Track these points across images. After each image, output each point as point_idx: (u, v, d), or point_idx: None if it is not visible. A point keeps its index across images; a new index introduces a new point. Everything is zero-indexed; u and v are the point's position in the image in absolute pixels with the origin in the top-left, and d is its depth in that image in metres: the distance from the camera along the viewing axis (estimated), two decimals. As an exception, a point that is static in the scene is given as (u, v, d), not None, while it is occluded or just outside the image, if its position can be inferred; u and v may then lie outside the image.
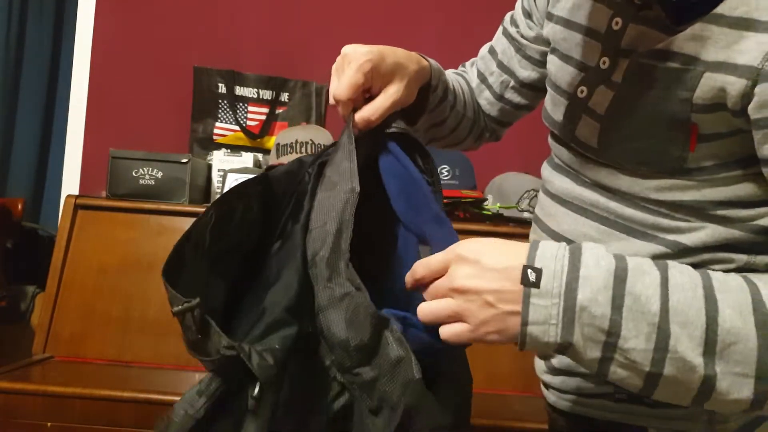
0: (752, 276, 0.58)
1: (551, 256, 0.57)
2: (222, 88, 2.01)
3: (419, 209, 0.71)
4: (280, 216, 0.71)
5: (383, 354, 0.58)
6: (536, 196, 1.74)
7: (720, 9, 0.58)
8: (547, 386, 0.81)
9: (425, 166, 0.75)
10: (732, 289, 0.55)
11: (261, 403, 0.57)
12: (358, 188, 0.63)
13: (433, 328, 0.60)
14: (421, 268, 0.62)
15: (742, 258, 0.64)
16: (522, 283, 0.56)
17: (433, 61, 0.84)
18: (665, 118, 0.63)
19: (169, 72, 2.06)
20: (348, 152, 0.67)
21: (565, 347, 0.56)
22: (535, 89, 0.92)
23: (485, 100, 0.95)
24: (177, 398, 1.48)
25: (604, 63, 0.69)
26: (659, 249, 0.66)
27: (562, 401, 0.77)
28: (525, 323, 0.56)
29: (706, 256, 0.65)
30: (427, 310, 0.60)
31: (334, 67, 0.75)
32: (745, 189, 0.63)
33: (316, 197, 0.67)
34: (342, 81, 0.71)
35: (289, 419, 0.60)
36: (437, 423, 0.59)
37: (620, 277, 0.55)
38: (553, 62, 0.79)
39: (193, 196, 1.78)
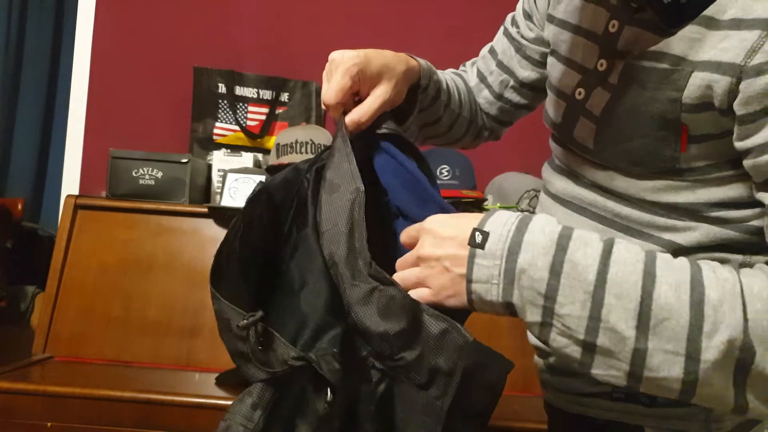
0: (704, 261, 0.58)
1: (501, 222, 0.61)
2: (222, 88, 2.01)
3: (424, 201, 0.73)
4: (283, 222, 0.73)
5: (424, 333, 0.60)
6: (536, 196, 1.74)
7: (711, 11, 0.59)
8: (546, 385, 0.82)
9: (420, 167, 0.76)
10: (673, 268, 0.56)
11: (333, 406, 0.60)
12: (362, 187, 0.66)
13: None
14: (403, 236, 0.68)
15: (737, 258, 0.65)
16: (469, 243, 0.61)
17: (422, 61, 0.85)
18: (656, 118, 0.64)
19: (169, 72, 2.06)
20: (346, 154, 0.69)
21: (509, 308, 0.60)
22: (534, 89, 0.93)
23: (484, 99, 0.96)
24: (177, 398, 1.48)
25: (601, 65, 0.70)
26: (655, 248, 0.66)
27: (560, 400, 0.78)
28: (470, 281, 0.60)
29: (701, 255, 0.65)
30: (398, 277, 0.65)
31: (324, 73, 0.77)
32: (737, 190, 0.64)
33: (319, 201, 0.69)
34: (330, 86, 0.73)
35: (340, 414, 0.62)
36: (502, 371, 0.62)
37: (562, 245, 0.58)
38: (552, 64, 0.80)
39: (193, 196, 1.78)
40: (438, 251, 0.62)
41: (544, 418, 0.87)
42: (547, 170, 0.83)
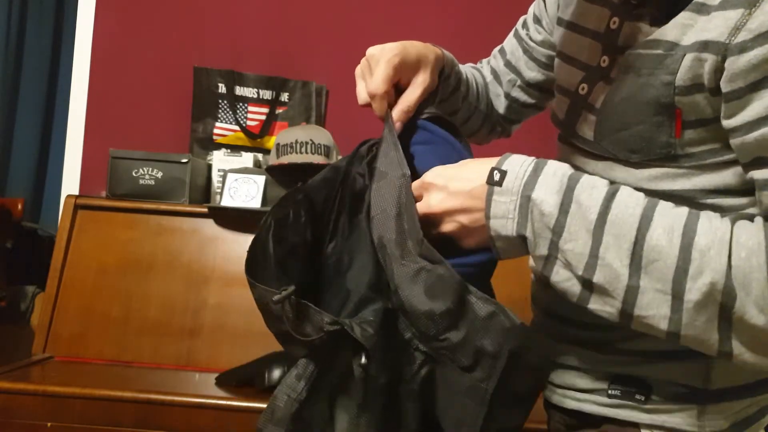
0: (705, 212, 0.61)
1: (518, 163, 0.65)
2: (222, 88, 2.01)
3: (435, 149, 0.77)
4: (327, 218, 0.77)
5: (471, 314, 0.62)
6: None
7: None
8: None
9: (461, 143, 0.80)
10: (671, 214, 0.60)
11: (369, 369, 0.63)
12: (408, 173, 0.69)
13: (467, 255, 0.69)
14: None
15: None
16: (487, 182, 0.65)
17: (446, 51, 0.88)
18: (651, 103, 0.65)
19: (169, 72, 2.06)
20: (393, 143, 0.72)
21: (523, 241, 0.64)
22: (540, 90, 0.95)
23: (495, 95, 0.99)
24: (177, 398, 1.49)
25: (603, 61, 0.72)
26: None
27: (556, 396, 0.78)
28: (488, 217, 0.65)
29: None
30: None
31: (358, 70, 0.79)
32: (734, 176, 0.64)
33: (371, 190, 0.72)
34: (375, 77, 0.75)
35: (382, 391, 0.64)
36: (545, 353, 0.65)
37: (571, 186, 0.62)
38: (558, 65, 0.82)
39: (193, 196, 1.78)
40: (449, 206, 0.66)
41: (543, 418, 0.87)
42: None
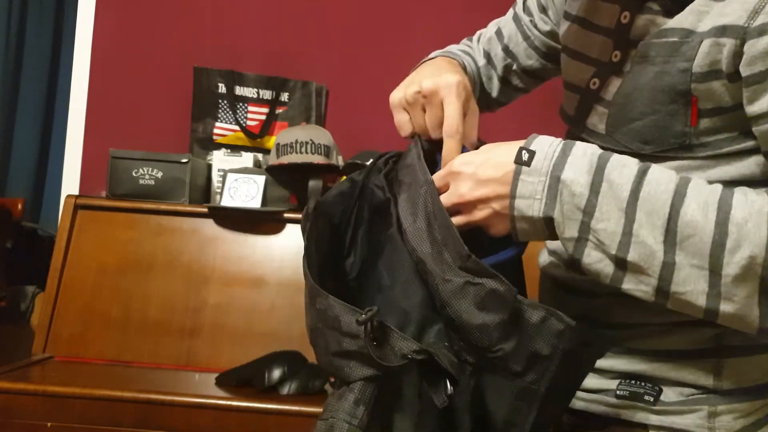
0: (739, 188, 0.60)
1: (547, 143, 0.64)
2: (222, 88, 2.01)
3: None
4: (344, 232, 0.75)
5: (522, 322, 0.61)
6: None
7: None
8: None
9: None
10: (705, 190, 0.59)
11: (454, 398, 0.60)
12: (430, 179, 0.67)
13: (499, 247, 0.68)
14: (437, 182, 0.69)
15: None
16: (515, 161, 0.63)
17: (464, 62, 0.88)
18: (667, 91, 0.65)
19: (169, 72, 2.06)
20: (417, 153, 0.71)
21: (549, 223, 0.62)
22: (534, 76, 0.95)
23: (486, 78, 0.97)
24: (177, 398, 1.48)
25: (615, 56, 0.72)
26: None
27: None
28: (513, 196, 0.63)
29: None
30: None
31: (401, 101, 0.75)
32: (749, 167, 0.64)
33: (399, 202, 0.70)
34: (452, 117, 0.71)
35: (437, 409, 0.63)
36: (603, 349, 0.65)
37: (601, 165, 0.61)
38: (566, 61, 0.81)
39: (193, 196, 1.78)
40: (481, 193, 0.65)
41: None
42: None
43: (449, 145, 0.71)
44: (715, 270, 0.57)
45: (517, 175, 0.63)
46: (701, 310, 0.59)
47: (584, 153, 0.62)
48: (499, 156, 0.65)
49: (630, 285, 0.61)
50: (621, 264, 0.60)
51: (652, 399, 0.69)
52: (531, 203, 0.63)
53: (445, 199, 0.67)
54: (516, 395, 0.63)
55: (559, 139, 0.65)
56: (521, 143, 0.65)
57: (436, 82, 0.72)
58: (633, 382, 0.70)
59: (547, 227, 0.63)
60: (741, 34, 0.58)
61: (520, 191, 0.63)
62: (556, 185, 0.62)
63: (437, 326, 0.66)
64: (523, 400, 0.63)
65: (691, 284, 0.58)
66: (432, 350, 0.60)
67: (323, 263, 0.69)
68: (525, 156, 0.63)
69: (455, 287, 0.62)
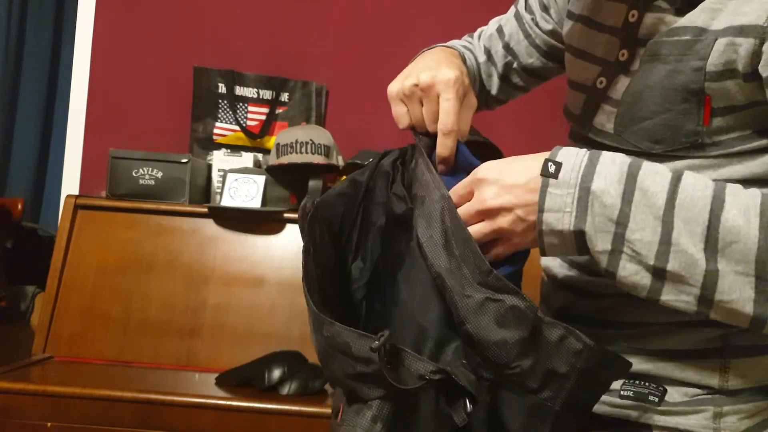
0: None
1: (573, 153, 0.62)
2: (222, 88, 2.01)
3: (462, 174, 0.72)
4: (348, 235, 0.74)
5: (541, 340, 0.60)
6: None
7: None
8: None
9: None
10: (743, 193, 0.58)
11: (472, 416, 0.60)
12: (447, 193, 0.66)
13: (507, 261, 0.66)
14: (454, 196, 0.67)
15: None
16: (541, 173, 0.61)
17: (465, 56, 0.87)
18: (679, 90, 0.64)
19: (169, 72, 2.06)
20: (426, 166, 0.69)
21: (579, 236, 0.60)
22: (534, 75, 0.94)
23: (486, 75, 0.97)
24: (177, 398, 1.48)
25: (623, 55, 0.71)
26: None
27: None
28: (541, 210, 0.61)
29: None
30: (476, 237, 0.66)
31: (398, 93, 0.74)
32: (761, 166, 0.63)
33: (415, 216, 0.69)
34: (448, 112, 0.70)
35: (453, 425, 0.62)
36: (620, 372, 0.63)
37: (632, 174, 0.59)
38: (571, 61, 0.80)
39: (193, 196, 1.78)
40: (505, 200, 0.63)
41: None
42: None
43: (443, 142, 0.71)
44: (762, 276, 0.55)
45: (544, 187, 0.61)
46: (748, 318, 0.57)
47: (613, 162, 0.60)
48: (525, 164, 0.63)
49: (669, 296, 0.59)
50: (659, 274, 0.58)
51: (656, 399, 0.68)
52: (560, 216, 0.60)
53: (468, 207, 0.66)
54: (530, 412, 0.62)
55: (584, 149, 0.63)
56: (546, 155, 0.63)
57: (433, 76, 0.71)
58: (637, 382, 0.69)
59: (576, 241, 0.61)
60: (760, 33, 0.58)
61: (548, 204, 0.61)
62: (586, 197, 0.59)
63: (455, 343, 0.65)
64: (537, 417, 0.62)
65: (736, 292, 0.56)
66: (449, 369, 0.59)
67: (324, 275, 0.68)
68: (552, 168, 0.61)
69: (475, 303, 0.61)
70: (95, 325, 1.62)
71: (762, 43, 0.58)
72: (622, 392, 0.70)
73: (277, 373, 1.41)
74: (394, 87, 0.75)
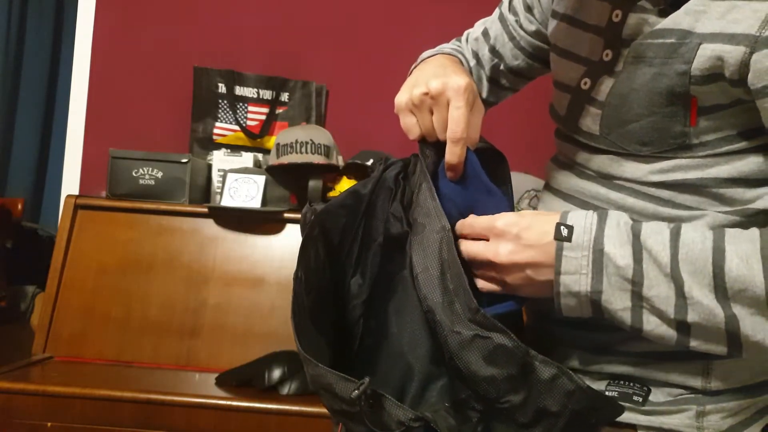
0: None
1: (582, 216, 0.64)
2: (222, 88, 2.01)
3: (469, 181, 0.72)
4: (348, 249, 0.73)
5: (533, 377, 0.60)
6: (536, 196, 1.74)
7: None
8: None
9: (498, 169, 0.77)
10: (742, 240, 0.59)
11: None
12: (448, 225, 0.66)
13: (504, 301, 0.68)
14: (466, 227, 0.69)
15: None
16: (555, 238, 0.63)
17: (461, 61, 0.88)
18: (664, 94, 0.64)
19: (169, 72, 2.06)
20: (428, 189, 0.69)
21: (596, 297, 0.62)
22: (521, 76, 0.94)
23: (477, 79, 0.97)
24: (177, 398, 1.48)
25: (607, 55, 0.71)
26: None
27: None
28: (558, 273, 0.63)
29: None
30: (479, 284, 0.69)
31: (407, 102, 0.73)
32: (749, 165, 0.64)
33: (411, 243, 0.68)
34: (458, 120, 0.70)
35: None
36: (611, 416, 0.63)
37: (636, 234, 0.62)
38: (556, 60, 0.80)
39: (193, 196, 1.78)
40: (520, 258, 0.65)
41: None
42: (549, 166, 0.83)
43: (452, 150, 0.70)
44: None
45: (560, 251, 0.63)
46: None
47: (618, 224, 0.62)
48: (542, 224, 0.65)
49: (698, 343, 0.61)
50: (683, 327, 0.60)
51: (640, 399, 0.69)
52: (577, 278, 0.62)
53: (482, 252, 0.67)
54: None
55: (590, 210, 0.65)
56: (556, 218, 0.65)
57: (444, 83, 0.71)
58: (622, 382, 0.70)
59: (592, 302, 0.63)
60: (752, 43, 0.57)
61: (565, 267, 0.63)
62: (600, 259, 0.61)
63: (441, 382, 0.65)
64: None
65: (760, 331, 0.58)
66: (429, 416, 0.60)
67: (318, 297, 0.67)
68: (564, 231, 0.63)
69: (464, 339, 0.61)
70: (95, 325, 1.62)
71: (752, 53, 0.58)
72: (606, 392, 0.70)
73: (277, 373, 1.41)
74: (403, 98, 0.74)
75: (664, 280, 0.59)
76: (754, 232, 0.59)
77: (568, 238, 0.63)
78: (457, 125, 0.69)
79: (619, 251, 0.61)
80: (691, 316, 0.59)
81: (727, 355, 0.60)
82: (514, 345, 0.60)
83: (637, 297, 0.61)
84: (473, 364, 0.61)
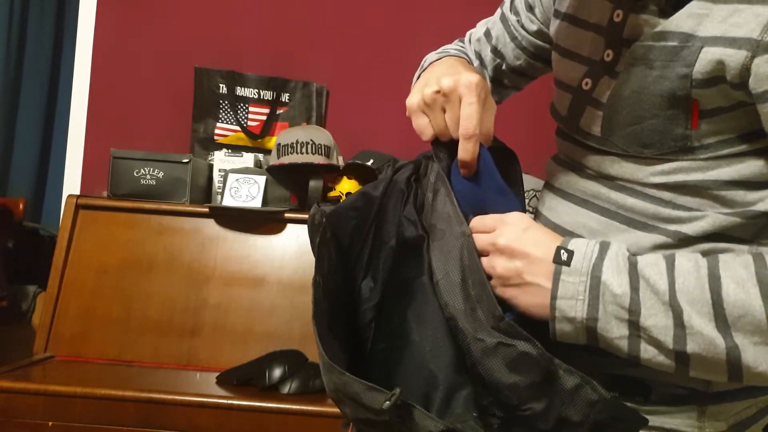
0: (765, 249, 0.60)
1: (583, 243, 0.64)
2: (223, 89, 2.01)
3: (482, 179, 0.71)
4: (358, 251, 0.72)
5: (556, 386, 0.60)
6: (536, 196, 1.74)
7: None
8: None
9: (510, 168, 0.77)
10: (736, 266, 0.59)
11: None
12: (468, 231, 0.66)
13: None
14: (476, 222, 0.69)
15: (743, 248, 0.65)
16: (554, 261, 0.63)
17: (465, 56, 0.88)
18: (666, 96, 0.64)
19: (170, 72, 2.06)
20: (446, 194, 0.69)
21: (591, 324, 0.61)
22: (523, 75, 0.94)
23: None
24: (178, 397, 1.49)
25: (608, 55, 0.70)
26: (660, 239, 0.66)
27: None
28: (554, 297, 0.62)
29: (707, 246, 0.65)
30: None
31: (420, 103, 0.73)
32: (750, 168, 0.64)
33: (431, 249, 0.68)
34: (471, 117, 0.69)
35: None
36: (634, 427, 0.63)
37: (633, 264, 0.61)
38: (557, 59, 0.80)
39: (194, 196, 1.79)
40: (517, 245, 0.65)
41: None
42: (550, 165, 0.83)
43: (465, 146, 0.70)
44: None
45: (557, 275, 0.63)
46: None
47: (616, 255, 0.62)
48: (542, 243, 0.65)
49: (696, 373, 0.60)
50: (681, 357, 0.59)
51: (642, 399, 0.69)
52: (573, 304, 0.62)
53: (484, 237, 0.67)
54: None
55: (593, 240, 0.65)
56: (558, 242, 0.65)
57: (455, 80, 0.70)
58: (623, 383, 0.70)
59: (587, 330, 0.62)
60: (753, 47, 0.57)
61: (561, 292, 0.62)
62: (597, 286, 0.61)
63: (465, 391, 0.65)
64: None
65: (763, 363, 0.57)
66: (458, 427, 0.60)
67: (332, 302, 0.67)
68: (564, 256, 0.63)
69: (487, 347, 0.61)
70: (96, 324, 1.62)
71: (754, 57, 0.57)
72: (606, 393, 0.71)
73: (277, 373, 1.42)
74: (414, 99, 0.74)
75: (662, 308, 0.59)
76: (747, 258, 0.59)
77: (567, 262, 0.62)
78: (470, 121, 0.69)
79: (615, 279, 0.60)
80: (691, 347, 0.58)
81: (728, 381, 0.60)
82: (538, 353, 0.60)
83: (634, 326, 0.60)
84: (496, 371, 0.61)
